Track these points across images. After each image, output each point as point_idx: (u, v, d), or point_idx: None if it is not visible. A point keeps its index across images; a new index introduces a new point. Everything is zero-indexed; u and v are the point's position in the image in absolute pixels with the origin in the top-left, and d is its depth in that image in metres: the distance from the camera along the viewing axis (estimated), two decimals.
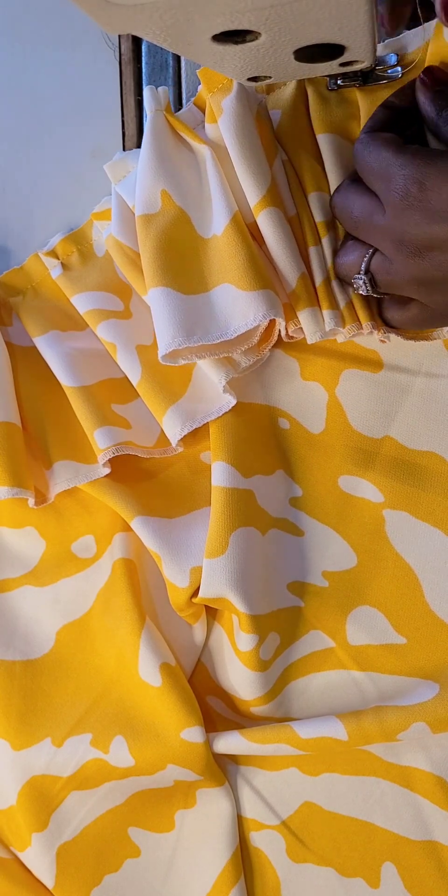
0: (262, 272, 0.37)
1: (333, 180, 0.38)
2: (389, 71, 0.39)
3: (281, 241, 0.38)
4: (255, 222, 0.38)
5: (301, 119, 0.40)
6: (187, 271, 0.38)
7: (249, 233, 0.39)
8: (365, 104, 0.39)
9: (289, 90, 0.40)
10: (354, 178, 0.36)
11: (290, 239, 0.38)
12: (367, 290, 0.36)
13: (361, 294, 0.37)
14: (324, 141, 0.39)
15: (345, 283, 0.38)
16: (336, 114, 0.39)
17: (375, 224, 0.34)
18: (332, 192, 0.38)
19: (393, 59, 0.39)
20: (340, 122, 0.39)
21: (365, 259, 0.35)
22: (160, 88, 0.40)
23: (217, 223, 0.38)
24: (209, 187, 0.39)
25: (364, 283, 0.36)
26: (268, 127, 0.40)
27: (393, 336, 0.39)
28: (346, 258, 0.37)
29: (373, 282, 0.36)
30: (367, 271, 0.35)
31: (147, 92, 0.40)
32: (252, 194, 0.38)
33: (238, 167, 0.38)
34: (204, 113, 0.41)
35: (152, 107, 0.40)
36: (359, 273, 0.36)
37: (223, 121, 0.38)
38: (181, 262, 0.38)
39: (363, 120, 0.39)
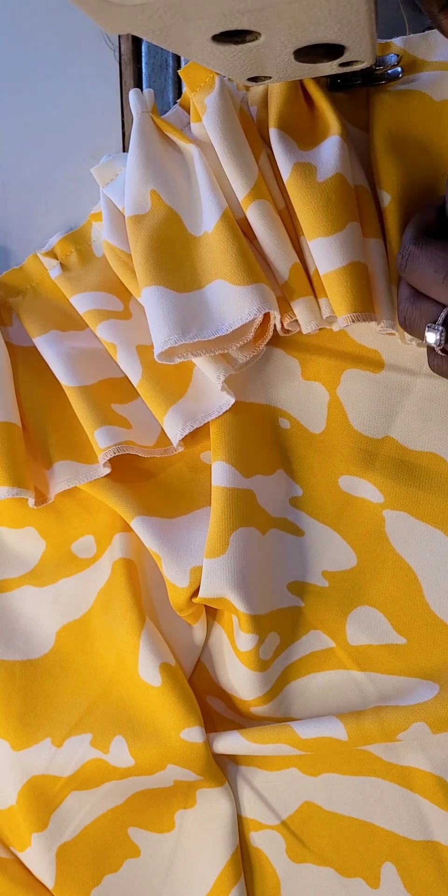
0: (254, 267, 0.37)
1: (285, 172, 0.37)
2: (389, 71, 0.39)
3: (271, 232, 0.38)
4: (245, 218, 0.38)
5: None
6: (180, 269, 0.38)
7: (240, 229, 0.38)
8: (364, 104, 0.39)
9: (261, 85, 0.40)
10: (416, 241, 0.34)
11: (280, 230, 0.38)
12: (441, 342, 0.33)
13: (430, 343, 0.34)
14: (273, 135, 0.38)
15: (410, 330, 0.35)
16: (289, 109, 0.38)
17: None
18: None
19: (393, 59, 0.39)
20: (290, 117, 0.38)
21: (444, 312, 0.33)
22: (146, 91, 0.40)
23: (207, 220, 0.38)
24: (198, 186, 0.39)
25: (441, 333, 0.33)
26: (251, 123, 0.40)
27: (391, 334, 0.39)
28: (417, 305, 0.34)
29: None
30: (445, 322, 0.33)
31: (133, 95, 0.40)
32: (240, 188, 0.38)
33: (224, 162, 0.38)
34: (189, 113, 0.41)
35: (138, 109, 0.40)
36: (434, 323, 0.33)
37: (207, 118, 0.38)
38: (173, 260, 0.38)
39: (366, 117, 0.39)
